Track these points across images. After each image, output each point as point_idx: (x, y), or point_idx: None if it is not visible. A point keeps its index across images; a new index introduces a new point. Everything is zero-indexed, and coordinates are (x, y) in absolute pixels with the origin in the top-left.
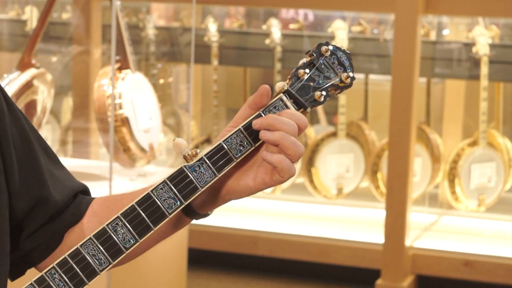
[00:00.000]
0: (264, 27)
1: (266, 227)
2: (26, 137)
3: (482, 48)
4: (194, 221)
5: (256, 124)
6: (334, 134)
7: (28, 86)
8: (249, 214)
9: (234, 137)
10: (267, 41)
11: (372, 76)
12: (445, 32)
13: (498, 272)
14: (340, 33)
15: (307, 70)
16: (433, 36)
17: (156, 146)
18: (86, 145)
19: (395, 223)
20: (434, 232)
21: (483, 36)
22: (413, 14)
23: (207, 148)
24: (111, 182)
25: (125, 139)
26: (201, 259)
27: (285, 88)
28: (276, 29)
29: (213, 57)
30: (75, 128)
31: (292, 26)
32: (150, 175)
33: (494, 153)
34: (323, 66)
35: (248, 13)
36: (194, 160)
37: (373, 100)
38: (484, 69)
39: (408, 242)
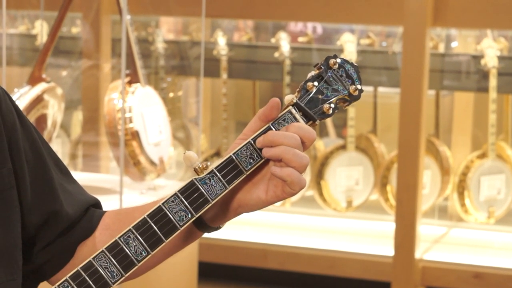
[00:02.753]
0: (273, 40)
1: (275, 240)
2: (38, 151)
3: (490, 61)
4: (205, 234)
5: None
6: (343, 147)
7: (38, 100)
8: (258, 227)
9: (244, 150)
10: (276, 54)
11: (380, 89)
12: (454, 44)
13: (508, 285)
14: (349, 46)
15: (315, 83)
16: (441, 49)
17: (166, 160)
18: (96, 159)
19: (405, 236)
20: (443, 245)
21: (491, 49)
22: (422, 26)
23: (217, 161)
24: (122, 196)
25: (135, 152)
26: (211, 272)
27: (294, 101)
28: (285, 42)
29: (222, 70)
30: (85, 142)
31: (301, 39)
32: (160, 189)
33: (503, 165)
34: (331, 79)
35: (257, 27)
36: (205, 173)
37: (382, 112)
38: (493, 81)
39: (418, 254)
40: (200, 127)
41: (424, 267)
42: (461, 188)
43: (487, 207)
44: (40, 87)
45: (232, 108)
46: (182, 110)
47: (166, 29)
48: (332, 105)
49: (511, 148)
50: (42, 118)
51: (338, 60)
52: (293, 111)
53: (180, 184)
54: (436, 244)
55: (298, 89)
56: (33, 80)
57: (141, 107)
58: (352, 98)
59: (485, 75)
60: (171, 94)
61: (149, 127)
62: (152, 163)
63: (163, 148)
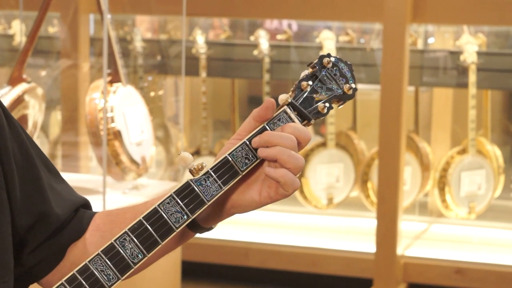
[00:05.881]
0: (252, 38)
1: (257, 238)
2: (27, 151)
3: (469, 56)
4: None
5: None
6: (323, 144)
7: (19, 101)
8: (239, 226)
9: (239, 150)
10: (255, 52)
11: (359, 86)
12: (430, 40)
13: (490, 280)
14: (328, 43)
15: (310, 82)
16: (420, 45)
17: (148, 159)
18: (75, 159)
19: (387, 232)
20: (425, 241)
21: (470, 44)
22: (401, 23)
23: (213, 162)
24: (105, 195)
25: (117, 152)
26: (193, 271)
27: (289, 100)
28: (264, 40)
29: (201, 69)
30: (64, 142)
31: (279, 36)
32: (143, 188)
33: (483, 161)
34: (325, 78)
35: (233, 25)
36: (200, 174)
37: (361, 109)
38: (472, 77)
39: (399, 250)
40: (182, 126)
41: (406, 263)
42: (442, 184)
43: (467, 202)
44: (21, 87)
45: (210, 106)
46: (162, 109)
47: (144, 28)
48: (327, 104)
49: (490, 143)
50: (23, 119)
51: (332, 59)
52: (288, 110)
53: (164, 184)
54: (417, 240)
55: (292, 89)
56: (13, 81)
57: (123, 107)
58: (346, 97)
59: (464, 70)
60: (152, 93)
61: (131, 126)
62: (134, 162)
63: (145, 148)
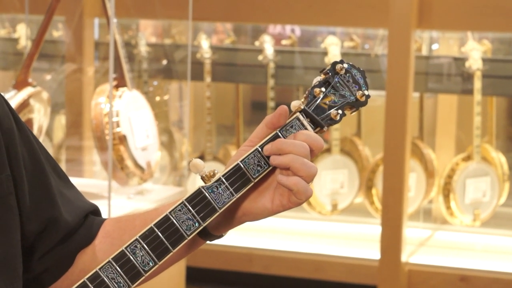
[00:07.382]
0: (256, 43)
1: (260, 244)
2: (36, 156)
3: (474, 63)
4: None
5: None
6: (328, 150)
7: (25, 105)
8: (243, 231)
9: (252, 157)
10: (260, 57)
11: None
12: (434, 46)
13: (494, 287)
14: (333, 48)
15: (322, 89)
16: (424, 51)
17: (153, 164)
18: (80, 164)
19: (391, 239)
20: (429, 248)
21: (476, 51)
22: (407, 29)
23: (225, 169)
24: (110, 200)
25: (123, 157)
26: (196, 277)
27: (302, 107)
28: (269, 45)
29: (206, 73)
30: (68, 146)
31: (284, 42)
32: (148, 193)
33: (488, 168)
34: (338, 85)
35: (236, 29)
36: (212, 181)
37: (366, 115)
38: (478, 84)
39: (403, 257)
40: (187, 131)
41: (410, 270)
42: (447, 191)
43: (472, 209)
44: (26, 91)
45: (214, 111)
46: (167, 114)
47: (148, 33)
48: (340, 111)
49: (495, 150)
50: (29, 123)
51: (345, 65)
52: (301, 117)
53: (168, 189)
54: (422, 247)
55: (305, 95)
56: (19, 85)
57: (128, 111)
58: (359, 104)
59: (469, 77)
60: (157, 98)
61: (136, 131)
62: (139, 167)
63: (150, 153)
